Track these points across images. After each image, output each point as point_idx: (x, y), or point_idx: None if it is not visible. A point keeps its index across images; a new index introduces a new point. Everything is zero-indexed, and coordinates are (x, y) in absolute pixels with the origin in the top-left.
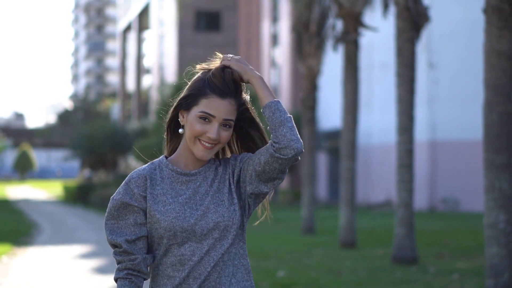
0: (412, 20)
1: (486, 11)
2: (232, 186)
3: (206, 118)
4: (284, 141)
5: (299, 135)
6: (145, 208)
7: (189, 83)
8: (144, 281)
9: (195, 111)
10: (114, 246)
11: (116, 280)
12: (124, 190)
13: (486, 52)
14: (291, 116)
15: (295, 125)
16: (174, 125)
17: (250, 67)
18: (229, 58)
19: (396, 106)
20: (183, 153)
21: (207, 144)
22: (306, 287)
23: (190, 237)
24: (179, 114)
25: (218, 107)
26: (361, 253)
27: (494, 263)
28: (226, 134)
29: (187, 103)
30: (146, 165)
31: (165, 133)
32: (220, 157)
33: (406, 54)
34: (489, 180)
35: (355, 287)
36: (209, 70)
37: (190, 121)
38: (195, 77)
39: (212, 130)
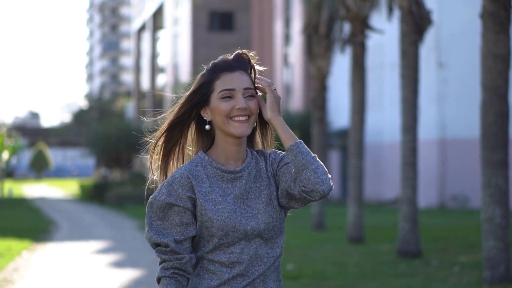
0: (416, 24)
1: (483, 16)
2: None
3: (228, 95)
4: (309, 185)
5: (325, 174)
6: (191, 208)
7: (193, 84)
8: None
9: (215, 96)
10: (157, 245)
11: (159, 279)
12: (168, 191)
13: (483, 55)
14: (315, 156)
15: (320, 164)
16: (186, 124)
17: (279, 109)
18: (272, 88)
19: (401, 106)
20: (221, 148)
21: (241, 118)
22: (313, 279)
23: (241, 237)
24: (202, 112)
25: (233, 80)
26: (368, 248)
27: (491, 256)
28: (253, 103)
29: (203, 95)
30: (186, 163)
31: (164, 133)
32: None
33: (410, 56)
34: (486, 177)
35: (360, 279)
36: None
37: (215, 107)
38: (195, 81)
39: (238, 101)
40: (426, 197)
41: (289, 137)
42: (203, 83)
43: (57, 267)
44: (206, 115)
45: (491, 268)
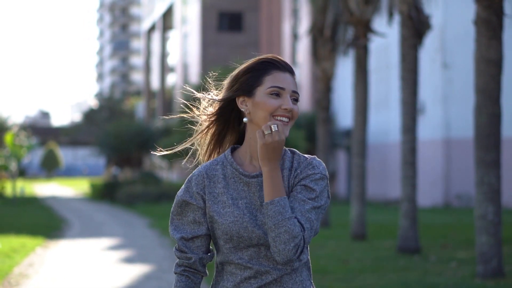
0: (415, 28)
1: (476, 22)
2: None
3: (276, 92)
4: (271, 250)
5: (285, 244)
6: (202, 206)
7: (235, 74)
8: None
9: (262, 90)
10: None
11: (175, 273)
12: (185, 188)
13: (476, 59)
14: (283, 220)
15: (285, 230)
16: (221, 117)
17: (270, 156)
18: (266, 132)
19: (400, 107)
20: (249, 145)
21: (284, 119)
22: (314, 273)
23: (246, 243)
24: (240, 103)
25: (285, 79)
26: (370, 245)
27: (484, 251)
28: (297, 108)
29: (248, 85)
30: (209, 161)
31: (206, 128)
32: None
33: (410, 60)
34: (479, 176)
35: (360, 273)
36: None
37: (260, 101)
38: (241, 68)
39: (285, 101)
40: (431, 196)
41: (267, 193)
42: (252, 75)
43: (70, 263)
44: (245, 106)
45: (484, 263)
